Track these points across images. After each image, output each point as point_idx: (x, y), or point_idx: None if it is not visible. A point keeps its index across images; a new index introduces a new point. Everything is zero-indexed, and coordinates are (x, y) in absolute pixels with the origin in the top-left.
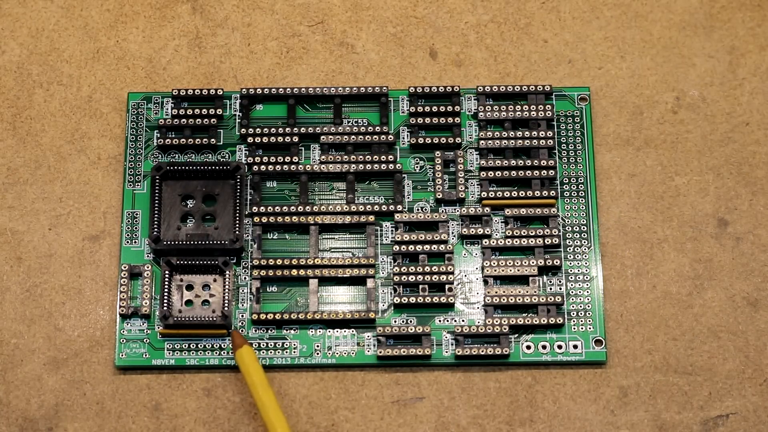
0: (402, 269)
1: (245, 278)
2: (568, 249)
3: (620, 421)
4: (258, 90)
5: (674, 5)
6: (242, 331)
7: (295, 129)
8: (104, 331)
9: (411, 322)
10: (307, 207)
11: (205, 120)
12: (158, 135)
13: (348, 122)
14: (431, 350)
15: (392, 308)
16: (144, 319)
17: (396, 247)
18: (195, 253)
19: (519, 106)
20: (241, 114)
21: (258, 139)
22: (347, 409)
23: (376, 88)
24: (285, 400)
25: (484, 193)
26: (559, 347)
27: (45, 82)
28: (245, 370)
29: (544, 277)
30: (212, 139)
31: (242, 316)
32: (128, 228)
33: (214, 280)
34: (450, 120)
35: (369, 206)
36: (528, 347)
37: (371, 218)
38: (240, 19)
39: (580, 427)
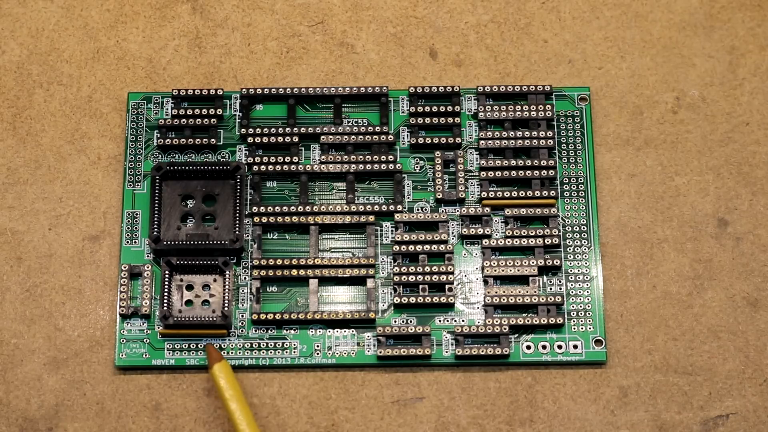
0: (402, 269)
1: (245, 278)
2: (568, 249)
3: (620, 421)
4: (258, 90)
5: (674, 5)
6: (242, 330)
7: (295, 129)
8: (104, 331)
9: (411, 322)
10: (307, 207)
11: (205, 120)
12: (158, 135)
13: (348, 122)
14: (431, 350)
15: (392, 308)
16: (144, 319)
17: (396, 247)
18: (195, 253)
19: (519, 106)
20: (241, 114)
21: (258, 139)
22: (347, 409)
23: (376, 88)
24: (285, 400)
25: (484, 193)
26: (559, 347)
27: (45, 82)
28: (221, 387)
29: (544, 277)
30: (212, 139)
31: (242, 316)
32: (128, 228)
33: (214, 280)
34: (450, 120)
35: (369, 206)
36: (528, 347)
37: (371, 218)
38: (240, 19)
39: (580, 427)
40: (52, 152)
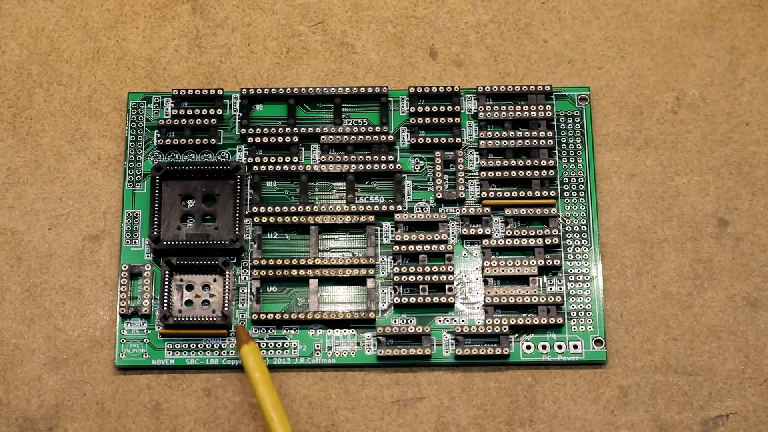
0: (402, 269)
1: (245, 278)
2: (568, 249)
3: (620, 421)
4: (258, 90)
5: (674, 5)
6: None
7: (295, 129)
8: (104, 331)
9: (411, 322)
10: (307, 207)
11: (205, 120)
12: (158, 135)
13: (348, 122)
14: (431, 350)
15: (392, 308)
16: (144, 319)
17: (396, 247)
18: (195, 253)
19: (519, 106)
20: (241, 114)
21: (258, 139)
22: (347, 409)
23: (376, 88)
24: (285, 400)
25: (484, 193)
26: (559, 347)
27: (45, 82)
28: (249, 368)
29: (544, 277)
30: (212, 139)
31: (242, 316)
32: (128, 228)
33: (214, 280)
34: (450, 120)
35: (369, 206)
36: (528, 347)
37: (371, 218)
38: (240, 19)
39: (580, 427)
40: (52, 152)
